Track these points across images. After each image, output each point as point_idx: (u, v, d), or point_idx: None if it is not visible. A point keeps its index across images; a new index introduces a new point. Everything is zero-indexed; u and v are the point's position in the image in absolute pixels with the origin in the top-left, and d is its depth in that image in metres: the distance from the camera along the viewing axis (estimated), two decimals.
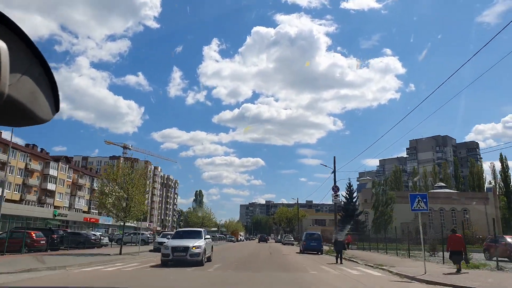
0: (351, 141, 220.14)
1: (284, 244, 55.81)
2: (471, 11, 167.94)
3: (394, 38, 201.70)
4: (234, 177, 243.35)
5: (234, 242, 71.59)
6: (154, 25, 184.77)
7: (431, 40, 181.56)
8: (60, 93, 1.05)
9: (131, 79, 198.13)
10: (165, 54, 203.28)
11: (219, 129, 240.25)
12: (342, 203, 59.25)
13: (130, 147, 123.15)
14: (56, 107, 1.07)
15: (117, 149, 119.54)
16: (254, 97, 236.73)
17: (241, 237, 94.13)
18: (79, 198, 74.23)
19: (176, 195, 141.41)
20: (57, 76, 1.02)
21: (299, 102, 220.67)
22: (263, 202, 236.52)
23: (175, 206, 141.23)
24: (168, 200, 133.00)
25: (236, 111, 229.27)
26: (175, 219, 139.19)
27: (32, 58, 0.95)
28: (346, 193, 58.24)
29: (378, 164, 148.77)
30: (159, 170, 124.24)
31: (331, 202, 67.79)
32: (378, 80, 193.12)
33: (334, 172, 33.36)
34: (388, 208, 48.25)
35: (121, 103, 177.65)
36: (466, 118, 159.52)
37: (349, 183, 57.49)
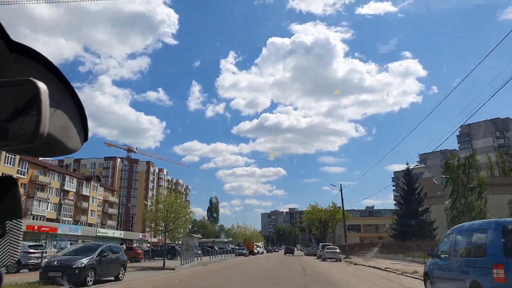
0: (374, 146, 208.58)
1: (324, 260, 37.29)
2: (493, 8, 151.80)
3: (413, 41, 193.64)
4: (256, 188, 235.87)
5: (247, 255, 53.45)
6: (172, 41, 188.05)
7: (451, 40, 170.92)
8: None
9: (151, 95, 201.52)
10: (184, 69, 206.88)
11: (239, 140, 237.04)
12: (399, 197, 41.73)
13: (134, 149, 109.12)
14: (85, 137, 1.14)
15: (118, 151, 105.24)
16: (273, 107, 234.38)
17: (258, 248, 70.20)
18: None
19: (187, 202, 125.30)
20: (80, 95, 1.10)
21: (318, 109, 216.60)
22: (287, 210, 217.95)
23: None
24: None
25: (255, 121, 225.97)
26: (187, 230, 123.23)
27: (65, 93, 1.04)
28: (404, 185, 40.70)
29: (419, 160, 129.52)
30: (164, 173, 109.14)
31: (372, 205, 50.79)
32: (398, 84, 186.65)
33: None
34: (479, 200, 30.54)
35: (142, 118, 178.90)
36: None
37: (408, 168, 40.08)
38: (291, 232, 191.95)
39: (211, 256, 40.91)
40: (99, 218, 75.92)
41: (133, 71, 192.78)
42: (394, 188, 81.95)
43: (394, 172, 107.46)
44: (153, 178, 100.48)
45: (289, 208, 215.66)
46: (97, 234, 62.20)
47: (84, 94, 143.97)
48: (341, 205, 44.53)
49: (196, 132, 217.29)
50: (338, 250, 38.86)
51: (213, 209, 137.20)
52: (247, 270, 24.07)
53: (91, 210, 72.63)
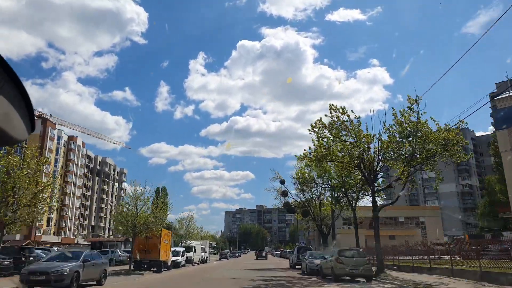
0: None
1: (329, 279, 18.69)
2: (455, 22, 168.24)
3: (381, 49, 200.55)
4: (224, 191, 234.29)
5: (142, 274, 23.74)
6: (141, 41, 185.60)
7: (417, 49, 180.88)
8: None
9: (118, 94, 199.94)
10: (152, 69, 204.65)
11: (208, 142, 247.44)
12: None
13: (47, 115, 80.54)
14: (32, 127, 1.10)
15: None
16: (242, 110, 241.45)
17: (190, 253, 37.60)
18: None
19: (122, 191, 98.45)
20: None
21: (287, 114, 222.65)
22: (254, 208, 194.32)
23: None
24: (106, 197, 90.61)
25: (225, 124, 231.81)
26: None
27: (6, 78, 0.98)
28: None
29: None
30: (79, 143, 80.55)
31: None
32: (366, 91, 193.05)
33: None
34: None
35: (108, 119, 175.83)
36: None
37: None
38: (259, 232, 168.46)
39: None
40: None
41: (100, 69, 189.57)
42: None
43: None
44: (58, 149, 72.18)
45: (257, 206, 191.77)
46: None
47: (47, 91, 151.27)
48: None
49: (163, 133, 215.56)
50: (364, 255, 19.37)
51: (160, 203, 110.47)
52: None
53: None
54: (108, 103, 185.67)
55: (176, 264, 29.75)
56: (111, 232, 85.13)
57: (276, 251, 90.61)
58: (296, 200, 40.02)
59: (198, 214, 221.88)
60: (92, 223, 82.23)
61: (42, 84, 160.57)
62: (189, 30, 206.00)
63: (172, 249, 30.88)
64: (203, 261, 40.42)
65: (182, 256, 32.68)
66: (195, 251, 37.11)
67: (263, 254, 60.14)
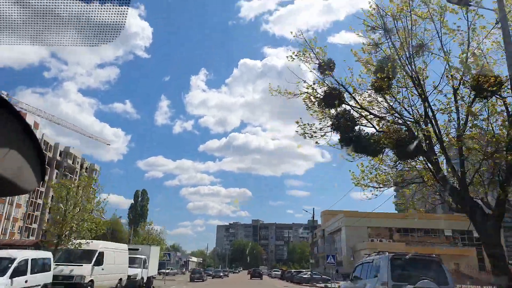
0: (338, 172, 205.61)
1: None
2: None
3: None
4: (220, 208, 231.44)
5: None
6: (144, 55, 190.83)
7: None
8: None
9: (118, 106, 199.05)
10: (153, 83, 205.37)
11: (206, 158, 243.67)
12: None
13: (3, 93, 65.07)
14: (42, 178, 1.15)
15: None
16: (242, 127, 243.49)
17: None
18: None
19: (95, 190, 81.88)
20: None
21: (286, 132, 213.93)
22: (249, 222, 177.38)
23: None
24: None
25: (224, 140, 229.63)
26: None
27: (21, 133, 1.00)
28: None
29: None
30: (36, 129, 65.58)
31: None
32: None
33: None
34: None
35: (107, 130, 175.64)
36: None
37: None
38: (254, 249, 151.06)
39: None
40: None
41: (101, 81, 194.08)
42: None
43: None
44: None
45: (252, 220, 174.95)
46: None
47: (47, 101, 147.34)
48: None
49: (162, 147, 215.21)
50: None
51: (138, 207, 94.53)
52: None
53: None
54: (108, 115, 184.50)
55: None
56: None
57: (275, 271, 73.64)
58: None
59: (193, 231, 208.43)
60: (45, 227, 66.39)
61: (42, 93, 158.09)
62: (192, 46, 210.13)
63: None
64: (137, 283, 21.81)
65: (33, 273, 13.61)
66: (98, 263, 17.26)
67: (257, 274, 55.13)
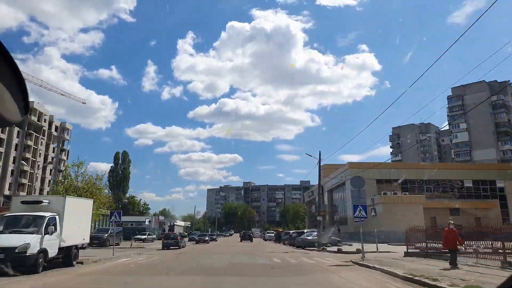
0: (328, 137, 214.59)
1: None
2: (443, 12, 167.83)
3: (370, 35, 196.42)
4: (211, 174, 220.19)
5: None
6: (129, 18, 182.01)
7: (406, 37, 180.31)
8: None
9: (104, 73, 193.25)
10: (139, 48, 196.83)
11: (196, 124, 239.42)
12: None
13: None
14: (25, 109, 1.11)
15: None
16: (232, 92, 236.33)
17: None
18: None
19: (64, 153, 73.61)
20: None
21: (276, 97, 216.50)
22: (240, 185, 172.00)
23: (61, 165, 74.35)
24: (32, 157, 66.28)
25: (213, 106, 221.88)
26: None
27: (2, 63, 0.99)
28: None
29: (391, 133, 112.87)
30: None
31: None
32: (354, 77, 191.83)
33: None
34: None
35: (93, 98, 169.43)
36: None
37: None
38: (246, 212, 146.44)
39: None
40: None
41: (85, 46, 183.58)
42: None
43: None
44: None
45: (244, 183, 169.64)
46: None
47: (28, 67, 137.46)
48: None
49: (150, 114, 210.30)
50: None
51: (119, 170, 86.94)
52: None
53: None
54: (93, 82, 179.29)
55: None
56: None
57: (269, 232, 67.86)
58: None
59: (185, 196, 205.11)
60: (7, 192, 58.73)
61: (23, 59, 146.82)
62: (179, 9, 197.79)
63: None
64: (30, 260, 12.89)
65: None
66: None
67: (247, 236, 54.89)
